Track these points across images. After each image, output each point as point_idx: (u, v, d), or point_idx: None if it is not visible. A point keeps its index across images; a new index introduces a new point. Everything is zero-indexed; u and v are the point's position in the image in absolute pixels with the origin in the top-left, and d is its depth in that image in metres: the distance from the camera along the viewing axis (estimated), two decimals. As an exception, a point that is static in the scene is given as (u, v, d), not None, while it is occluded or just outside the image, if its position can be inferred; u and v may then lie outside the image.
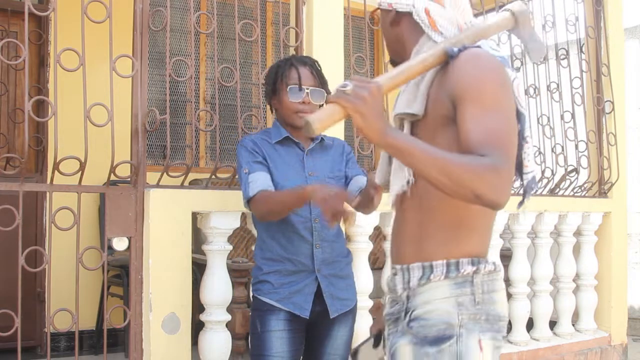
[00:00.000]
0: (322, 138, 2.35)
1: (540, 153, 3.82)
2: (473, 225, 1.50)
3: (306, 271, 2.24)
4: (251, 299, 2.35)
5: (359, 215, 3.07)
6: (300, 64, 2.29)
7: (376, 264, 4.35)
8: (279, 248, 2.25)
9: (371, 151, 3.24)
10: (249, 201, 2.22)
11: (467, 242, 1.49)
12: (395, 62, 1.66)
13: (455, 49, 1.44)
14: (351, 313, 2.35)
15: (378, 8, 1.72)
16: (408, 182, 1.51)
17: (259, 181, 2.20)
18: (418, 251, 1.51)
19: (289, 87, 2.26)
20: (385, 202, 1.78)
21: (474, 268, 1.47)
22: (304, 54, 2.97)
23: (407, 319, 1.50)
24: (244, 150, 2.27)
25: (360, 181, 2.35)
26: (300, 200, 2.09)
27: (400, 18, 1.61)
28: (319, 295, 2.25)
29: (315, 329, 2.29)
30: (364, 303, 2.99)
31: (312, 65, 2.31)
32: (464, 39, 1.49)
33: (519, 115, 1.46)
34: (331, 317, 2.26)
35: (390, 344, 1.55)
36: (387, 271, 3.30)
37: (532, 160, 1.54)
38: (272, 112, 2.40)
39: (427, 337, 1.45)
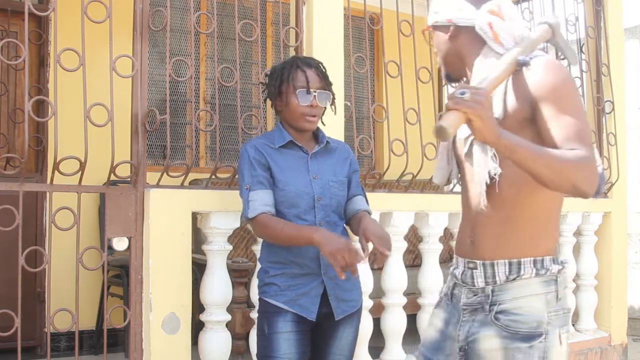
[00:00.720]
0: (327, 141, 2.34)
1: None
2: (552, 222, 1.65)
3: (312, 274, 2.23)
4: (251, 300, 2.35)
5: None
6: (306, 66, 2.27)
7: (376, 264, 4.35)
8: (285, 252, 2.24)
9: (371, 151, 3.23)
10: (248, 219, 2.23)
11: (547, 239, 1.63)
12: (450, 76, 1.80)
13: (527, 58, 1.58)
14: (356, 314, 2.35)
15: (430, 27, 1.80)
16: (492, 179, 1.60)
17: (259, 201, 2.20)
18: (502, 247, 1.62)
19: (297, 90, 2.23)
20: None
21: (559, 267, 1.62)
22: (304, 54, 2.97)
23: (494, 310, 1.61)
24: (246, 161, 2.24)
25: (359, 203, 2.37)
26: (306, 243, 2.11)
27: (459, 32, 1.72)
28: (324, 297, 2.24)
29: (320, 330, 2.29)
30: (365, 303, 2.98)
31: (317, 67, 2.30)
32: (525, 49, 1.62)
33: None
34: (336, 320, 2.26)
35: (466, 332, 1.66)
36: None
37: (598, 156, 1.61)
38: (276, 113, 2.37)
39: (518, 333, 1.58)
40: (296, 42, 3.05)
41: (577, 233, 4.15)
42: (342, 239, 2.05)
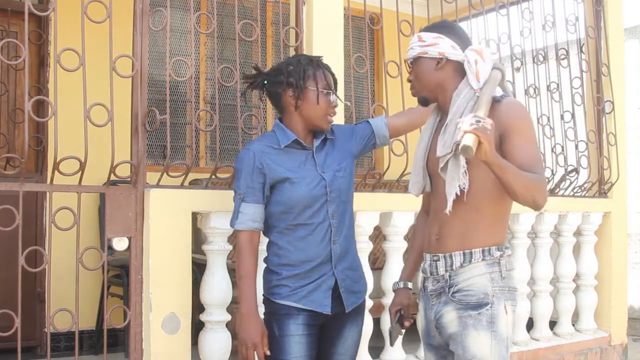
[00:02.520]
0: (325, 136, 2.34)
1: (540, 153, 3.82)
2: (501, 222, 2.06)
3: (324, 268, 2.24)
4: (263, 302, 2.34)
5: (359, 216, 3.08)
6: (327, 69, 2.32)
7: (376, 264, 4.35)
8: (297, 252, 2.23)
9: (371, 151, 3.23)
10: (233, 228, 2.29)
11: (495, 235, 2.03)
12: (426, 100, 2.13)
13: (498, 96, 2.00)
14: (362, 311, 2.37)
15: (416, 57, 2.09)
16: (463, 190, 1.96)
17: (248, 215, 2.23)
18: (460, 242, 2.02)
19: (327, 90, 2.28)
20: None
21: (501, 253, 2.01)
22: (305, 54, 2.97)
23: (451, 291, 2.01)
24: (245, 168, 2.23)
25: (375, 124, 2.49)
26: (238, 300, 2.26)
27: (447, 65, 2.06)
28: (332, 293, 2.25)
29: (327, 330, 2.29)
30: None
31: (332, 74, 2.35)
32: (493, 88, 2.00)
33: None
34: (347, 312, 2.27)
35: (434, 312, 2.06)
36: (389, 265, 3.31)
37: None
38: (278, 108, 2.34)
39: (469, 304, 1.98)
40: (296, 42, 3.05)
41: (577, 233, 4.15)
42: (258, 333, 2.18)
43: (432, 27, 2.12)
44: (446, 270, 2.03)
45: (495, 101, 1.97)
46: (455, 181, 1.97)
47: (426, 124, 2.21)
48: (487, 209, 2.00)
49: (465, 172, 1.95)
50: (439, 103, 2.13)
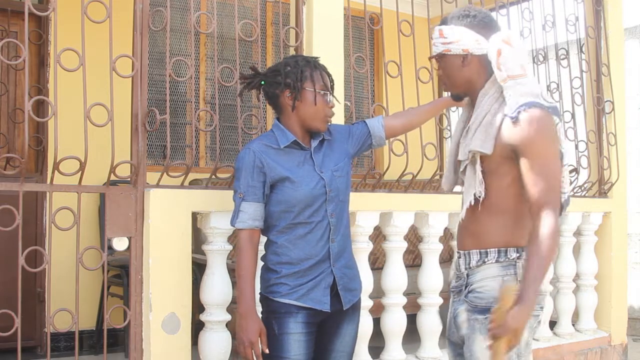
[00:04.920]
0: (323, 136, 2.35)
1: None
2: (520, 222, 1.96)
3: (322, 266, 2.25)
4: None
5: (359, 216, 3.08)
6: (324, 70, 2.33)
7: (376, 264, 4.35)
8: (296, 250, 2.24)
9: (371, 151, 3.23)
10: (234, 227, 2.29)
11: (513, 234, 1.96)
12: (458, 95, 2.07)
13: (514, 114, 1.88)
14: (358, 308, 2.39)
15: (441, 54, 2.00)
16: (479, 197, 1.96)
17: (249, 214, 2.24)
18: (476, 240, 1.99)
19: (325, 91, 2.29)
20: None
21: (518, 255, 1.95)
22: (304, 54, 2.97)
23: (467, 290, 2.00)
24: (245, 167, 2.24)
25: (372, 124, 2.48)
26: (237, 298, 2.25)
27: (473, 60, 1.97)
28: (331, 290, 2.27)
29: (325, 327, 2.30)
30: (364, 303, 2.99)
31: (329, 75, 2.36)
32: (520, 96, 1.91)
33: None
34: (344, 309, 2.29)
35: (453, 310, 2.06)
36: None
37: (567, 183, 2.00)
38: (276, 109, 2.35)
39: (477, 307, 1.96)
40: (296, 42, 3.05)
41: (577, 233, 4.15)
42: (255, 331, 2.17)
43: (453, 19, 1.98)
44: (465, 268, 2.02)
45: (512, 120, 1.89)
46: (472, 188, 1.97)
47: (460, 116, 2.14)
48: (502, 209, 1.96)
49: (481, 181, 1.95)
50: (471, 98, 2.05)
